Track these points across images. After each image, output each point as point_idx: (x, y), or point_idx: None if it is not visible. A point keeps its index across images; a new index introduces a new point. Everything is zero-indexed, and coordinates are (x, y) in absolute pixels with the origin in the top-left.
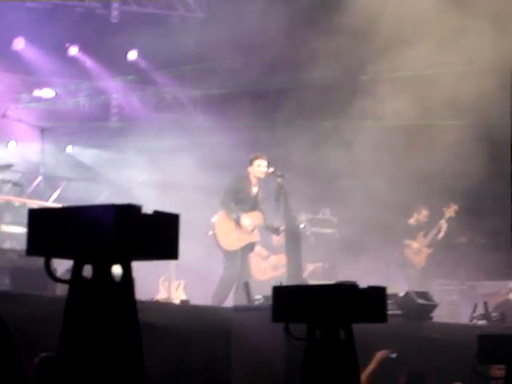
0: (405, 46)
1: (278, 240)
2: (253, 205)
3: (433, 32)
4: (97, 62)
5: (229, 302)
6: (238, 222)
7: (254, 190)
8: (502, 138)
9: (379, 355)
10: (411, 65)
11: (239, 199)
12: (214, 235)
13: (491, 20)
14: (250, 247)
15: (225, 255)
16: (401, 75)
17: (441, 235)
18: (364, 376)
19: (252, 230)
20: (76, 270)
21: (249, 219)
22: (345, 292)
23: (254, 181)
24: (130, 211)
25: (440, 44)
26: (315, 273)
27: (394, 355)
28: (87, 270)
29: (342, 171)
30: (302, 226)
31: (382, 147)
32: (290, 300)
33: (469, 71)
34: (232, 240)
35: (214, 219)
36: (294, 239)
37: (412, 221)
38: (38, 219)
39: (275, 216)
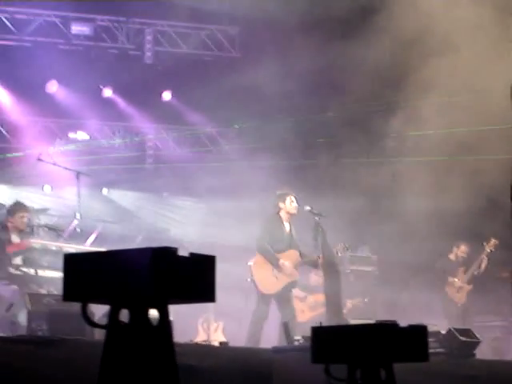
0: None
1: (315, 280)
2: (289, 242)
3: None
4: (131, 104)
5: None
6: (277, 267)
7: (287, 226)
8: None
9: None
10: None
11: (274, 239)
12: (252, 280)
13: None
14: (291, 286)
15: (260, 298)
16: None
17: (481, 270)
18: None
19: (292, 271)
20: (112, 314)
21: (287, 261)
22: (385, 331)
23: (285, 217)
24: (165, 254)
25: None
26: (355, 309)
27: None
28: (125, 314)
29: (381, 208)
30: (339, 254)
31: (421, 182)
32: (330, 340)
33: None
34: (270, 283)
35: (251, 263)
36: (332, 277)
37: (452, 256)
38: (74, 264)
39: (311, 250)
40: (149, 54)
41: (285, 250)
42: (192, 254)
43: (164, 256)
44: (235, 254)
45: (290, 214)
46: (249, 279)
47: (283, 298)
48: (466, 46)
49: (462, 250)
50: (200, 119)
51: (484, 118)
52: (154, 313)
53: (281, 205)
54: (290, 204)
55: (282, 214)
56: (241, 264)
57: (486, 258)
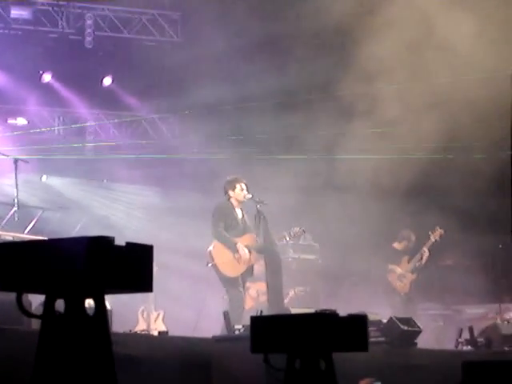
0: None
1: (257, 269)
2: (243, 228)
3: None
4: (71, 89)
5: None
6: (235, 250)
7: (239, 212)
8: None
9: (363, 383)
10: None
11: (228, 225)
12: (214, 265)
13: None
14: (250, 271)
15: (227, 283)
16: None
17: (422, 262)
18: None
19: (250, 255)
20: (48, 304)
21: (244, 247)
22: (324, 321)
23: (235, 204)
24: (101, 243)
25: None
26: (297, 298)
27: (378, 383)
28: (61, 304)
29: (326, 194)
30: (287, 238)
31: (367, 169)
32: (269, 330)
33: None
34: (233, 266)
35: (210, 248)
36: (274, 266)
37: (396, 245)
38: (8, 253)
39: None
40: (89, 38)
41: (240, 235)
42: (128, 244)
43: (100, 245)
44: (177, 243)
45: (239, 202)
46: (210, 264)
47: (242, 283)
48: None
49: (412, 239)
50: (141, 105)
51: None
52: (90, 302)
53: (230, 192)
54: (240, 191)
55: (232, 200)
56: (183, 252)
57: (427, 251)
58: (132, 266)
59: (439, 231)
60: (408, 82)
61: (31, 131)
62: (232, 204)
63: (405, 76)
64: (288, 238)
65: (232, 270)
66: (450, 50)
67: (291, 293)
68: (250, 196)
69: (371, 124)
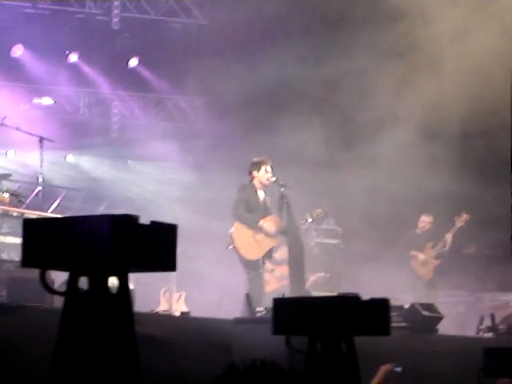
0: None
1: (280, 254)
2: (264, 210)
3: None
4: (97, 70)
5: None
6: (259, 229)
7: (261, 195)
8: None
9: (384, 368)
10: None
11: (249, 208)
12: (234, 248)
13: None
14: (270, 254)
15: (247, 266)
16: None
17: (446, 248)
18: None
19: (272, 234)
20: (71, 281)
21: (269, 222)
22: (346, 304)
23: (259, 186)
24: (126, 222)
25: None
26: (318, 283)
27: (399, 369)
28: (85, 282)
29: (349, 181)
30: (309, 220)
31: (389, 159)
32: (291, 312)
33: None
34: (253, 249)
35: (231, 230)
36: (296, 250)
37: (418, 230)
38: (33, 230)
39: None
40: (116, 19)
41: (262, 217)
42: (153, 222)
43: (124, 223)
44: (203, 224)
45: (263, 184)
46: (230, 247)
47: (260, 265)
48: None
49: (427, 221)
50: (167, 87)
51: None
52: (113, 281)
53: (254, 173)
54: (264, 173)
55: (256, 182)
56: (207, 233)
57: (451, 236)
58: (156, 245)
59: (465, 216)
60: None
61: (57, 111)
62: (255, 185)
63: None
64: (310, 220)
65: (252, 252)
66: None
67: (313, 277)
68: (274, 179)
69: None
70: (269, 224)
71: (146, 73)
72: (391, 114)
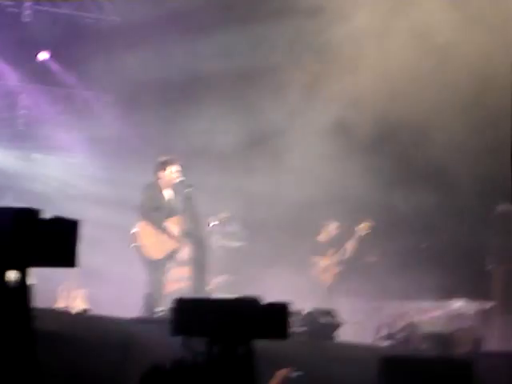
0: None
1: (183, 255)
2: (169, 211)
3: None
4: (6, 61)
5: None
6: (163, 230)
7: (167, 195)
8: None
9: (280, 373)
10: None
11: (155, 207)
12: (138, 247)
13: None
14: (172, 255)
15: (149, 265)
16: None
17: (346, 256)
18: None
19: (176, 236)
20: None
21: (173, 224)
22: (245, 307)
23: (164, 186)
24: (27, 215)
25: None
26: (220, 286)
27: (295, 374)
28: None
29: (256, 183)
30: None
31: (298, 159)
32: (189, 313)
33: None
34: (156, 249)
35: (135, 230)
36: (199, 252)
37: (321, 237)
38: None
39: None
40: (28, 12)
41: (166, 217)
42: (55, 217)
43: (25, 217)
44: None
45: (170, 184)
46: (133, 245)
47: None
48: None
49: (332, 227)
50: (76, 82)
51: None
52: (13, 275)
53: (160, 174)
54: (169, 173)
55: (161, 181)
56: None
57: (351, 244)
58: (57, 241)
59: (364, 225)
60: None
61: None
62: (160, 185)
63: None
64: (215, 223)
65: (155, 252)
66: None
67: (215, 280)
68: (181, 179)
69: None
70: (173, 226)
71: (55, 67)
72: (303, 111)
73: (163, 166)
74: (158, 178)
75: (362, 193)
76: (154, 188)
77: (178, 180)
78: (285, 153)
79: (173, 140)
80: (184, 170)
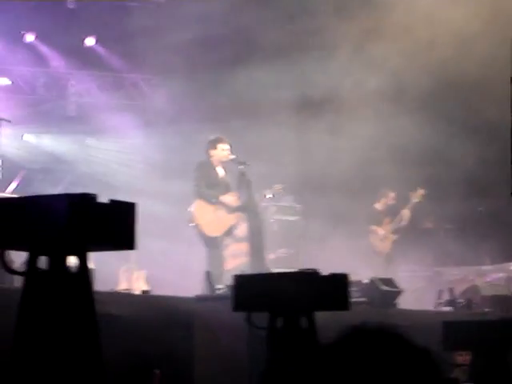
0: None
1: (240, 231)
2: (225, 187)
3: None
4: (54, 49)
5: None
6: (220, 205)
7: (220, 172)
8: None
9: None
10: None
11: (210, 184)
12: (196, 225)
13: None
14: (230, 231)
15: (208, 243)
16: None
17: (403, 223)
18: None
19: (233, 211)
20: (31, 261)
21: (229, 197)
22: (306, 280)
23: (216, 163)
24: (84, 200)
25: None
26: (278, 260)
27: None
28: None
29: (306, 157)
30: (268, 196)
31: (344, 132)
32: (251, 289)
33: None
34: (214, 226)
35: (192, 209)
36: (256, 227)
37: (378, 206)
38: None
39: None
40: None
41: (222, 194)
42: (112, 201)
43: (82, 202)
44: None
45: (221, 162)
46: (192, 224)
47: (220, 243)
48: None
49: (390, 197)
50: (125, 66)
51: None
52: (73, 260)
53: (211, 152)
54: (221, 151)
55: (213, 159)
56: (168, 209)
57: (407, 212)
58: (115, 224)
59: (420, 191)
60: None
61: (14, 91)
62: (213, 163)
63: None
64: (270, 196)
65: (214, 229)
66: None
67: (272, 254)
68: (233, 157)
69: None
70: (230, 199)
71: (103, 52)
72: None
73: (214, 143)
74: (210, 156)
75: (417, 155)
76: (207, 166)
77: (231, 157)
78: (341, 115)
79: (225, 112)
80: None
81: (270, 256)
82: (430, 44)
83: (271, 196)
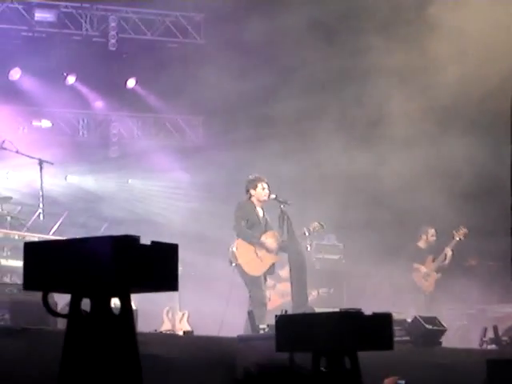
0: None
1: (286, 271)
2: (265, 227)
3: None
4: (95, 91)
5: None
6: (260, 245)
7: (260, 212)
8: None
9: (387, 382)
10: None
11: (250, 224)
12: (238, 265)
13: None
14: (272, 270)
15: (250, 282)
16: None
17: (447, 262)
18: None
19: (274, 250)
20: (74, 303)
21: (270, 238)
22: (349, 319)
23: (257, 203)
24: (127, 243)
25: None
26: (320, 299)
27: (402, 382)
28: (88, 304)
29: (346, 194)
30: (306, 234)
31: (383, 170)
32: (294, 329)
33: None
34: (256, 265)
35: (233, 249)
36: (298, 266)
37: (421, 244)
38: (34, 252)
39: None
40: (113, 40)
41: (262, 233)
42: (154, 242)
43: (125, 244)
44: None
45: (261, 201)
46: (233, 264)
47: (262, 282)
48: None
49: (430, 233)
50: (164, 107)
51: None
52: (116, 301)
53: (252, 191)
54: (261, 190)
55: (254, 199)
56: (207, 254)
57: (450, 250)
58: (157, 265)
59: (463, 230)
60: None
61: (56, 133)
62: (253, 202)
63: None
64: (307, 234)
65: (255, 268)
66: None
67: (314, 293)
68: (274, 196)
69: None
70: (270, 240)
71: (143, 93)
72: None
73: (253, 183)
74: (251, 196)
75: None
76: (248, 205)
77: (272, 196)
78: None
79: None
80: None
81: (313, 294)
82: (478, 69)
83: (308, 234)
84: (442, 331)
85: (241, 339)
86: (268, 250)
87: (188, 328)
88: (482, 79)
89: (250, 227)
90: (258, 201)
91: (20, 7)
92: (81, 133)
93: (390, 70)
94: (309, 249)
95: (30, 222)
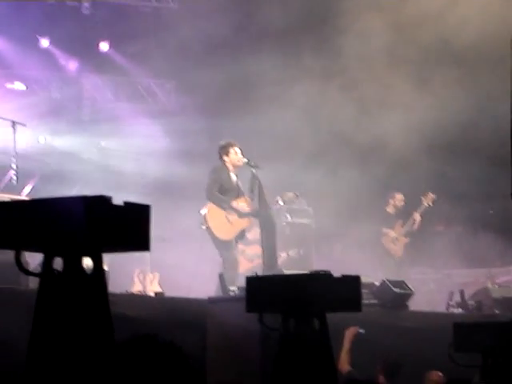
0: None
1: (252, 234)
2: (237, 192)
3: None
4: (68, 54)
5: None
6: (232, 210)
7: (234, 178)
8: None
9: (349, 333)
10: None
11: (223, 189)
12: (208, 228)
13: None
14: (243, 234)
15: (221, 246)
16: None
17: (415, 226)
18: (342, 355)
19: (245, 215)
20: (46, 263)
21: (242, 203)
22: (318, 281)
23: (231, 169)
24: (99, 202)
25: None
26: (290, 260)
27: (362, 331)
28: (60, 263)
29: (317, 159)
30: (280, 203)
31: (355, 133)
32: (264, 290)
33: None
34: (226, 230)
35: (204, 212)
36: (268, 230)
37: (389, 209)
38: (6, 212)
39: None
40: (86, 4)
41: (234, 198)
42: (126, 203)
43: (97, 204)
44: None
45: (235, 166)
46: (204, 227)
47: (233, 246)
48: None
49: (398, 199)
50: (138, 71)
51: None
52: (88, 262)
53: (225, 158)
54: (234, 155)
55: (228, 164)
56: (183, 213)
57: (418, 215)
58: (130, 226)
59: (431, 196)
60: None
61: (29, 95)
62: (227, 168)
63: None
64: (282, 203)
65: (225, 233)
66: None
67: (284, 255)
68: (246, 160)
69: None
70: (242, 205)
71: (116, 56)
72: None
73: (226, 148)
74: (224, 161)
75: (423, 165)
76: (222, 170)
77: (244, 160)
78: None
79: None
80: (249, 151)
81: (282, 255)
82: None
83: (283, 203)
84: (410, 295)
85: (211, 301)
86: (239, 215)
87: (159, 290)
88: None
89: (223, 192)
90: (233, 166)
91: None
92: (54, 95)
93: None
94: (286, 214)
95: (2, 183)
